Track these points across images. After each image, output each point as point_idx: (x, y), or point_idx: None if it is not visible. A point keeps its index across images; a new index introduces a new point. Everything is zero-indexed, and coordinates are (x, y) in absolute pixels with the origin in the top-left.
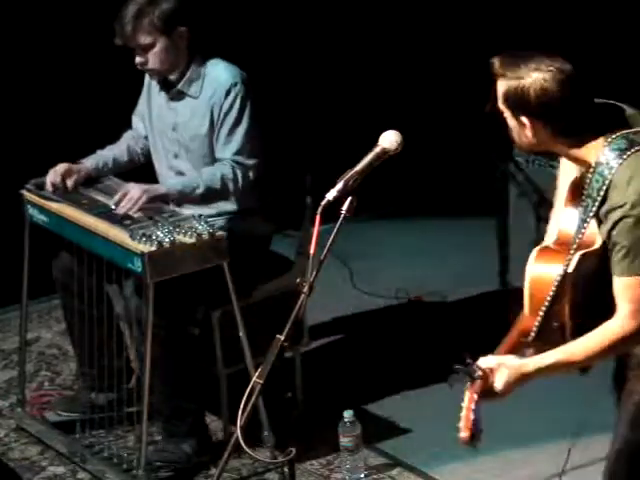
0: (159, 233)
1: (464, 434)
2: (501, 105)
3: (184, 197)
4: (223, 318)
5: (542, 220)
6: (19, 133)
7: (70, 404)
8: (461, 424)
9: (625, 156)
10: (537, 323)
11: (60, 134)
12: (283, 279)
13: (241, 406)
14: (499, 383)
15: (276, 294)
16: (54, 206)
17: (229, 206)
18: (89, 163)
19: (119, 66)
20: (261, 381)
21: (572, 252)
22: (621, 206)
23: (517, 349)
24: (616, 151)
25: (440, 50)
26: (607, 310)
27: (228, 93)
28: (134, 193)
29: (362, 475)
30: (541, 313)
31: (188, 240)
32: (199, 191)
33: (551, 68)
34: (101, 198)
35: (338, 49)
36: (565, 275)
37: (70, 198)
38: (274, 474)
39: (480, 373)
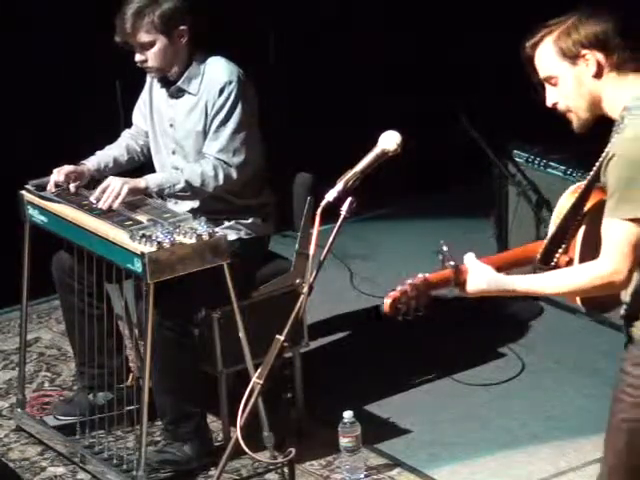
0: (159, 234)
1: (387, 300)
2: (554, 67)
3: (163, 191)
4: (223, 318)
5: (541, 220)
6: (19, 133)
7: (69, 407)
8: (392, 292)
9: None
10: (544, 245)
11: (60, 134)
12: (282, 279)
13: (241, 406)
14: (470, 285)
15: (276, 294)
16: (54, 207)
17: (227, 204)
18: (90, 164)
19: (118, 66)
20: (261, 381)
21: (584, 190)
22: (615, 144)
23: (515, 264)
24: None
25: (441, 49)
26: None
27: (222, 91)
28: (114, 186)
29: (362, 475)
30: (549, 236)
31: (188, 241)
32: (179, 186)
33: (584, 8)
34: (91, 195)
35: (338, 48)
36: (578, 209)
37: (70, 199)
38: (274, 474)
39: (452, 264)
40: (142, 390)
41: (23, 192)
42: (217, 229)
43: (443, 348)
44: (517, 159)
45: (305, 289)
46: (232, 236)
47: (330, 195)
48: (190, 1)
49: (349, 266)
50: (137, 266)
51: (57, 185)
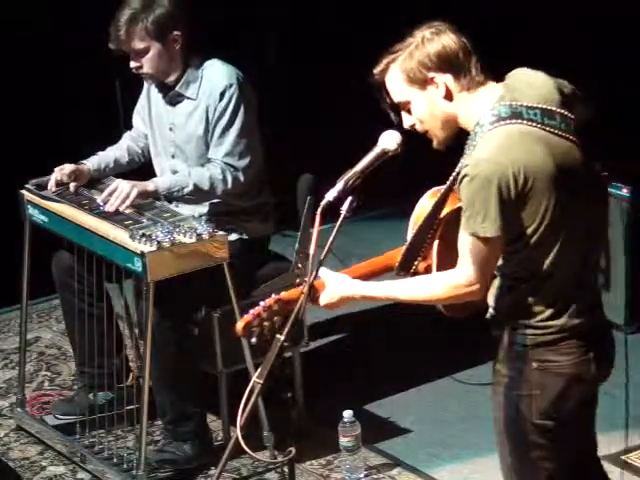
0: (159, 233)
1: (239, 323)
2: (405, 92)
3: (172, 194)
4: (223, 318)
5: None
6: (19, 133)
7: (69, 406)
8: (245, 315)
9: (497, 124)
10: (402, 252)
11: (60, 134)
12: (282, 279)
13: (241, 406)
14: (323, 299)
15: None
16: (54, 206)
17: (227, 206)
18: (91, 164)
19: (118, 66)
20: (261, 381)
21: (441, 197)
22: (467, 165)
23: (377, 272)
24: (494, 117)
25: None
26: None
27: (222, 95)
28: (123, 188)
29: (362, 475)
30: (407, 243)
31: (188, 240)
32: (187, 189)
33: (422, 29)
34: (99, 197)
35: (338, 48)
36: (435, 216)
37: (70, 198)
38: (274, 474)
39: (300, 280)
40: (142, 389)
41: (23, 191)
42: (217, 228)
43: (443, 348)
44: None
45: (305, 289)
46: (232, 236)
47: (330, 195)
48: (183, 5)
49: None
50: (137, 265)
51: (58, 184)
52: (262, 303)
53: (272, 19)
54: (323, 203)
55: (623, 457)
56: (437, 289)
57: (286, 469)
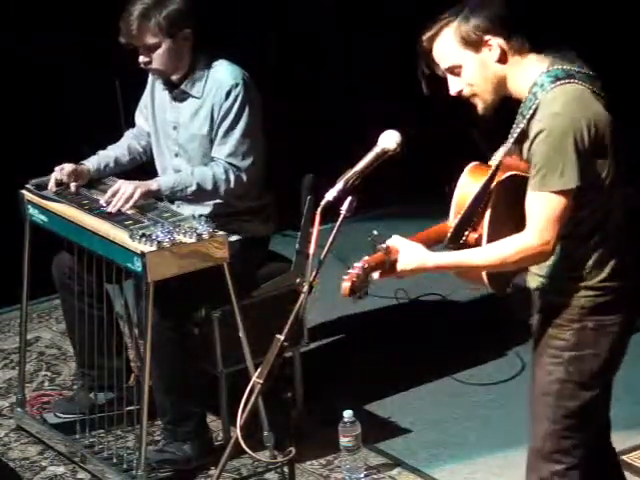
0: (159, 233)
1: (345, 284)
2: (457, 56)
3: (175, 194)
4: (223, 318)
5: None
6: (19, 133)
7: (69, 405)
8: (346, 276)
9: (558, 82)
10: (453, 225)
11: (60, 135)
12: (283, 279)
13: (241, 406)
14: (400, 264)
15: (276, 294)
16: (54, 206)
17: (228, 207)
18: (91, 164)
19: (118, 65)
20: (261, 381)
21: (494, 169)
22: (540, 120)
23: (429, 243)
24: (552, 77)
25: None
26: None
27: (228, 94)
28: (126, 189)
29: (362, 475)
30: (458, 217)
31: (188, 240)
32: (191, 189)
33: None
34: (102, 198)
35: (338, 48)
36: (487, 188)
37: (71, 198)
38: (274, 474)
39: (384, 246)
40: (142, 389)
41: (23, 191)
42: (217, 229)
43: (443, 348)
44: None
45: (305, 289)
46: (233, 237)
47: (330, 194)
48: (193, 3)
49: (349, 266)
50: (137, 265)
51: (58, 184)
52: (357, 264)
53: (272, 19)
54: (323, 203)
55: (623, 457)
56: (509, 252)
57: (286, 469)
